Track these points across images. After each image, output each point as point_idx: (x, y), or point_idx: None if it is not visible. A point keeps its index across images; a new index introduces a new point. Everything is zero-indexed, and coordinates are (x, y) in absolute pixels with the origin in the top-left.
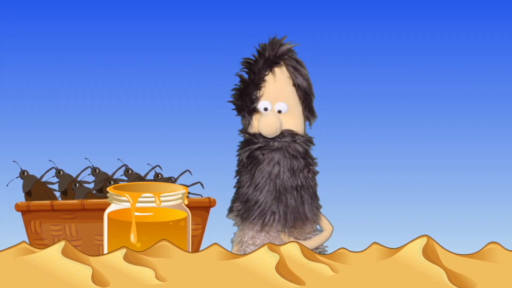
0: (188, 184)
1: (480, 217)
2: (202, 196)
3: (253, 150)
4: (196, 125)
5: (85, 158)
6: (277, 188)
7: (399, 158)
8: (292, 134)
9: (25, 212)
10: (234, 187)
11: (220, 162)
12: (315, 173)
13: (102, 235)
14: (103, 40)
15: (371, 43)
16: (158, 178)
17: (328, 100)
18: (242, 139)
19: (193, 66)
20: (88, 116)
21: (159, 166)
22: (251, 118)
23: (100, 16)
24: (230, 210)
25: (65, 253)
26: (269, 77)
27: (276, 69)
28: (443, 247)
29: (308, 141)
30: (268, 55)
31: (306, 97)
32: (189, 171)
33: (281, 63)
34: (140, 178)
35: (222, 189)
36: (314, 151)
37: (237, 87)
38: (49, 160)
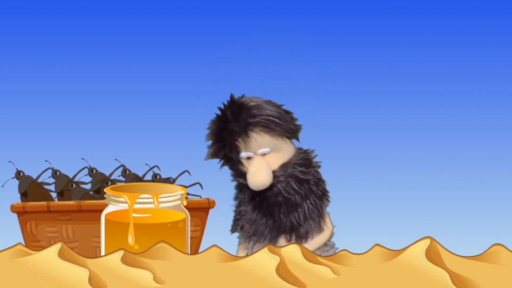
0: (187, 185)
1: (484, 219)
2: (201, 197)
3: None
4: (195, 125)
5: (82, 159)
6: (284, 222)
7: (402, 159)
8: (284, 170)
9: (21, 213)
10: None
11: (220, 163)
12: (322, 187)
13: (99, 236)
14: (100, 38)
15: (373, 42)
16: (156, 178)
17: (331, 100)
18: None
19: (192, 65)
20: (85, 116)
21: (157, 167)
22: (238, 166)
23: (98, 14)
24: (236, 229)
25: (61, 255)
26: (242, 139)
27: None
28: (447, 249)
29: (304, 162)
30: (234, 129)
31: (282, 127)
32: (188, 172)
33: (250, 128)
34: (138, 178)
35: (221, 190)
36: (316, 152)
37: (213, 146)
38: (46, 161)
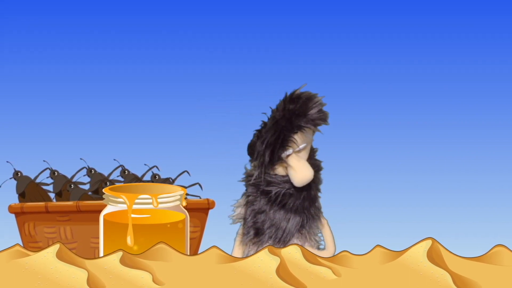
0: (186, 185)
1: (486, 219)
2: (200, 198)
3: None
4: (195, 125)
5: (81, 159)
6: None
7: (404, 159)
8: (312, 163)
9: (19, 214)
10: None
11: (219, 163)
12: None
13: (98, 237)
14: (98, 37)
15: (373, 41)
16: (155, 179)
17: (332, 100)
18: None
19: (192, 65)
20: (83, 115)
21: (157, 167)
22: (275, 166)
23: (95, 13)
24: (250, 235)
25: (60, 256)
26: (300, 135)
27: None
28: (448, 250)
29: (317, 163)
30: (297, 123)
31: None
32: (187, 172)
33: (317, 122)
34: (137, 179)
35: (221, 190)
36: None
37: (262, 147)
38: (44, 161)
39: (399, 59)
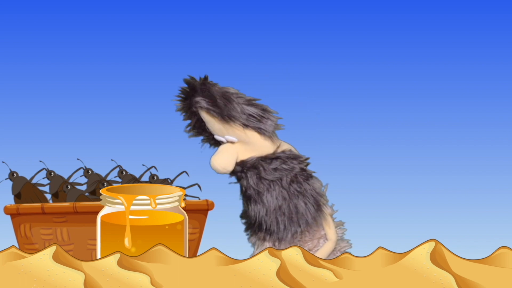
0: (185, 186)
1: (490, 221)
2: (199, 199)
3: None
4: None
5: (78, 159)
6: (286, 213)
7: (406, 160)
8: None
9: (15, 215)
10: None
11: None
12: (311, 177)
13: (95, 239)
14: (96, 36)
15: (373, 40)
16: (153, 179)
17: (333, 100)
18: None
19: (191, 64)
20: (80, 115)
21: (155, 167)
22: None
23: (96, 11)
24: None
25: (56, 258)
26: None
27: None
28: (452, 252)
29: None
30: (186, 109)
31: (221, 111)
32: (186, 173)
33: (197, 109)
34: (134, 179)
35: (220, 191)
36: (317, 152)
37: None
38: (40, 161)
39: (400, 59)
